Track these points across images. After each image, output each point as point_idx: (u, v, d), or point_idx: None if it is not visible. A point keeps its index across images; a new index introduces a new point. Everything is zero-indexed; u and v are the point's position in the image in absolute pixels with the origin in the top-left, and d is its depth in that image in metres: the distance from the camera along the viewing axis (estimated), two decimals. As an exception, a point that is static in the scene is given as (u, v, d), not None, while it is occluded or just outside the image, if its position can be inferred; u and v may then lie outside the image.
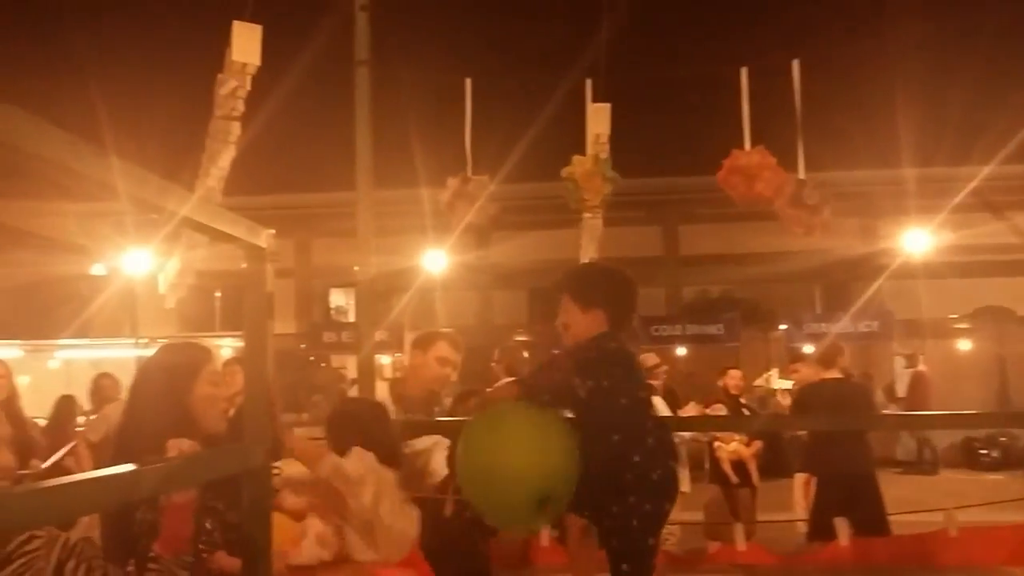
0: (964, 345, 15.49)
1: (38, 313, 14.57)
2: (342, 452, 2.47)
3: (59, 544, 1.79)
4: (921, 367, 14.46)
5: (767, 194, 3.59)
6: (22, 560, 1.67)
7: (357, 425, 2.52)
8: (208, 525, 2.24)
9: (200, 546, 2.16)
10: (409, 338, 13.19)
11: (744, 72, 3.64)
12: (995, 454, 13.42)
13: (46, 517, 1.56)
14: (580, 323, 2.59)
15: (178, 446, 2.01)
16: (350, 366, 14.04)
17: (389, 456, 2.53)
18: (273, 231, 2.59)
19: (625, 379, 2.53)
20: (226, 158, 5.78)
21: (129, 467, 1.68)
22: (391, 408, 3.31)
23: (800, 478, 6.56)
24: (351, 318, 16.21)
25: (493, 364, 6.25)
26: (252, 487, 2.20)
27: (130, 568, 2.00)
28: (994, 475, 12.67)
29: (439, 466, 3.42)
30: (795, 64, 3.62)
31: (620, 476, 2.43)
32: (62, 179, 1.61)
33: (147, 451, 2.03)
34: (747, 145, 3.61)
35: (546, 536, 3.45)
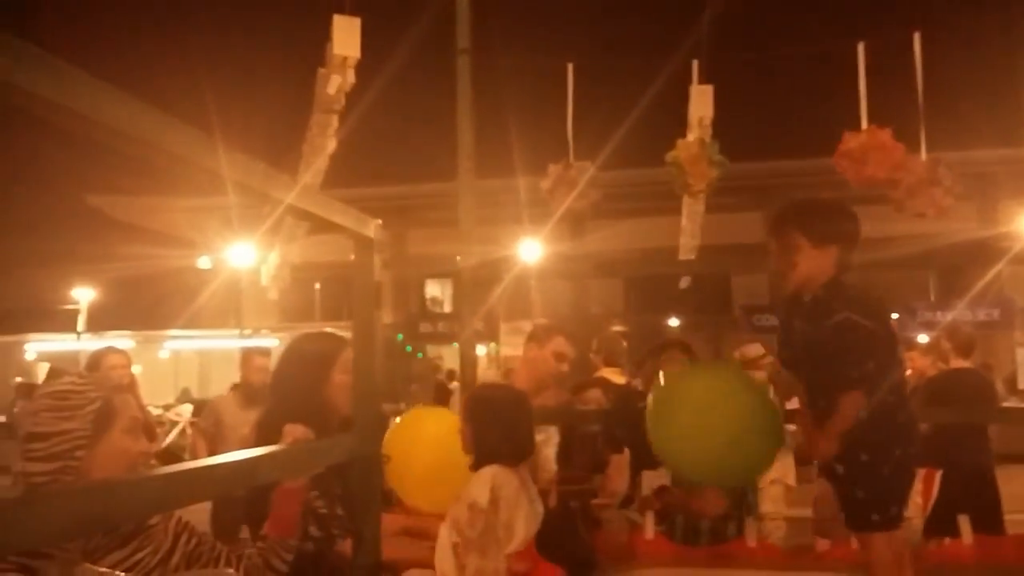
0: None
1: (149, 305, 15.33)
2: (480, 438, 2.42)
3: (174, 520, 1.86)
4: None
5: (879, 176, 3.39)
6: (144, 535, 1.73)
7: (498, 411, 2.43)
8: (323, 510, 2.28)
9: (315, 530, 2.20)
10: (504, 328, 13.30)
11: (861, 48, 3.44)
12: None
13: (173, 501, 1.60)
14: (811, 261, 2.39)
15: (292, 433, 2.04)
16: (445, 356, 14.24)
17: (527, 444, 2.48)
18: (380, 221, 2.61)
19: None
20: (326, 151, 5.90)
21: (246, 453, 1.71)
22: None
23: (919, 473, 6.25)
24: (446, 309, 16.42)
25: (591, 355, 6.19)
26: (362, 474, 2.22)
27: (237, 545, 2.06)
28: None
29: (550, 461, 3.40)
30: (916, 37, 3.40)
31: (874, 422, 2.32)
32: (182, 171, 1.64)
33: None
34: (864, 125, 3.41)
35: (651, 529, 3.39)
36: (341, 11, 5.02)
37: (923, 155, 3.38)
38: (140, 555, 1.70)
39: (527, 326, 13.20)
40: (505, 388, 2.80)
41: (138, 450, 1.67)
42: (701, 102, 4.27)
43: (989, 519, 5.70)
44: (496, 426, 2.39)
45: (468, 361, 3.86)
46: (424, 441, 2.95)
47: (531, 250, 11.75)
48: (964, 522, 3.46)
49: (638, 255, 14.97)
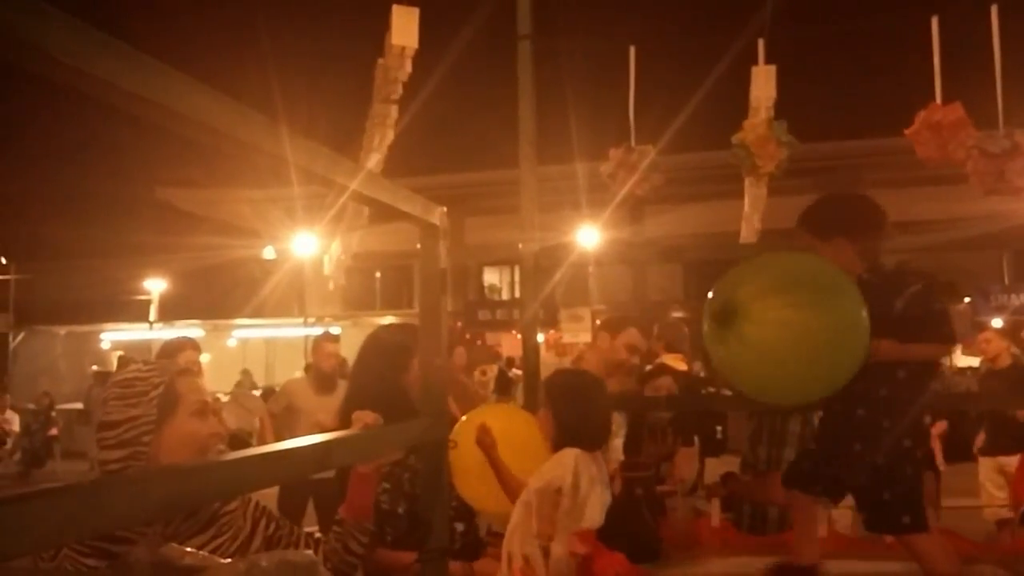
0: None
1: (216, 294, 15.70)
2: (561, 421, 2.42)
3: (252, 504, 1.90)
4: None
5: (959, 156, 3.28)
6: (226, 518, 1.77)
7: (578, 396, 2.45)
8: (385, 506, 2.32)
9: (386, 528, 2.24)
10: (564, 315, 13.25)
11: (935, 21, 3.32)
12: None
13: (247, 485, 1.64)
14: (824, 255, 2.51)
15: (363, 419, 2.07)
16: (504, 344, 14.29)
17: (605, 430, 2.50)
18: (445, 209, 2.62)
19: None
20: (386, 142, 5.95)
21: (318, 438, 1.74)
22: None
23: (1002, 461, 6.09)
24: (504, 296, 16.45)
25: (653, 341, 6.15)
26: (430, 460, 2.24)
27: (308, 529, 2.10)
28: None
29: (618, 450, 3.40)
30: (993, 10, 3.26)
31: (895, 424, 2.40)
32: (249, 161, 1.67)
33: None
34: (938, 100, 3.30)
35: (717, 516, 3.35)
36: (400, 1, 5.04)
37: (1002, 131, 3.25)
38: (220, 540, 1.74)
39: (586, 313, 13.20)
40: (585, 374, 2.80)
41: (208, 432, 1.71)
42: (764, 83, 4.19)
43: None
44: (576, 410, 2.42)
45: (530, 348, 3.87)
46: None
47: (590, 236, 11.68)
48: (1047, 512, 3.35)
49: (698, 240, 14.77)
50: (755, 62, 4.14)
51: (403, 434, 2.10)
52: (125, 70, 1.02)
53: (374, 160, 5.87)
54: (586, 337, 11.27)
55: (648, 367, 4.49)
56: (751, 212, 4.40)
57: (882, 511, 2.45)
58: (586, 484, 2.30)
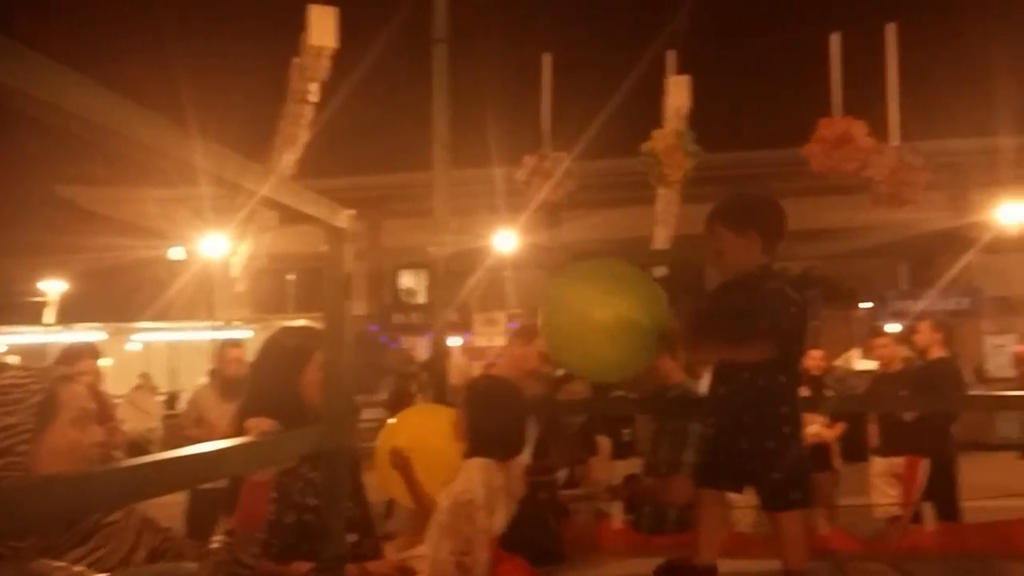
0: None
1: (120, 297, 15.13)
2: (476, 428, 2.39)
3: (136, 516, 1.82)
4: (1020, 346, 13.80)
5: (848, 167, 3.42)
6: (107, 530, 1.69)
7: (496, 404, 2.42)
8: (288, 521, 2.26)
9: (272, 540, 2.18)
10: (479, 319, 13.23)
11: (835, 38, 3.45)
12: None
13: (133, 495, 1.57)
14: (734, 247, 2.66)
15: (258, 426, 2.02)
16: (419, 348, 14.20)
17: (519, 441, 2.47)
18: (353, 212, 2.58)
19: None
20: (299, 142, 5.83)
21: (208, 446, 1.68)
22: None
23: (894, 462, 6.37)
24: (420, 300, 16.36)
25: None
26: (329, 468, 2.20)
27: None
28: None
29: (524, 457, 3.40)
30: (890, 28, 3.42)
31: (777, 409, 2.60)
32: (158, 163, 1.62)
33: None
34: (837, 114, 3.43)
35: (619, 518, 3.40)
36: (318, 1, 4.96)
37: (894, 145, 3.40)
38: (100, 552, 1.67)
39: (501, 317, 13.21)
40: (505, 382, 2.77)
41: (89, 441, 1.64)
42: (678, 92, 4.28)
43: (950, 506, 5.85)
44: (493, 419, 2.38)
45: (440, 352, 3.85)
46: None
47: (506, 240, 11.70)
48: (928, 510, 3.51)
49: (614, 245, 14.94)
50: (672, 72, 4.23)
51: (299, 442, 2.05)
52: (18, 70, 0.96)
53: (287, 160, 5.75)
54: (501, 341, 11.30)
55: (561, 371, 4.52)
56: (664, 218, 4.49)
57: (773, 490, 2.61)
58: (493, 497, 2.28)
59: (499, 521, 2.30)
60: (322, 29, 4.82)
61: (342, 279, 2.45)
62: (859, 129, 3.31)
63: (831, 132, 3.33)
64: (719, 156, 13.02)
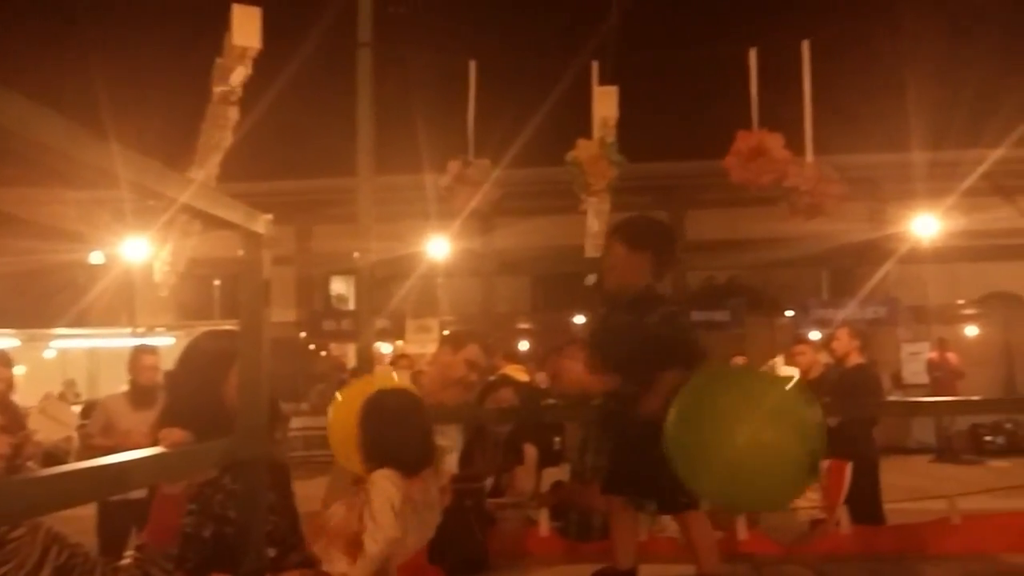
0: (971, 331, 15.39)
1: (35, 301, 14.54)
2: (376, 448, 2.26)
3: (42, 531, 1.75)
4: (933, 354, 14.37)
5: (764, 180, 3.51)
6: (11, 546, 1.62)
7: (392, 419, 2.30)
8: (206, 534, 2.18)
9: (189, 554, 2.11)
10: (412, 326, 13.10)
11: (753, 53, 3.55)
12: (1000, 440, 13.36)
13: (33, 508, 1.51)
14: (627, 263, 2.81)
15: (169, 437, 1.96)
16: (351, 355, 14.03)
17: (423, 454, 2.33)
18: (271, 216, 2.52)
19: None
20: (223, 144, 5.70)
21: (114, 458, 1.63)
22: None
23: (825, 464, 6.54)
24: (352, 306, 16.16)
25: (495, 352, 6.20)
26: (245, 480, 2.15)
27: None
28: (999, 462, 12.60)
29: (451, 466, 3.38)
30: (804, 45, 3.53)
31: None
32: (63, 166, 1.57)
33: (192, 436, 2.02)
34: (755, 127, 3.52)
35: (546, 525, 3.41)
36: (242, 1, 4.86)
37: (810, 158, 3.51)
38: (3, 569, 1.60)
39: (433, 323, 13.11)
40: (402, 394, 2.61)
41: None
42: (606, 103, 4.31)
43: (874, 509, 6.05)
44: (390, 433, 2.26)
45: (365, 360, 3.81)
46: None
47: (438, 247, 11.65)
48: (843, 513, 3.62)
49: (546, 252, 15.03)
50: (596, 82, 4.26)
51: (213, 453, 1.99)
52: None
53: (211, 163, 5.61)
54: (434, 348, 11.23)
55: (491, 378, 4.52)
56: (595, 226, 4.51)
57: (664, 495, 2.72)
58: (402, 512, 2.21)
59: (416, 537, 2.25)
60: (245, 29, 4.72)
61: (260, 285, 2.40)
62: (774, 141, 3.40)
63: (746, 144, 3.41)
64: (645, 166, 13.25)
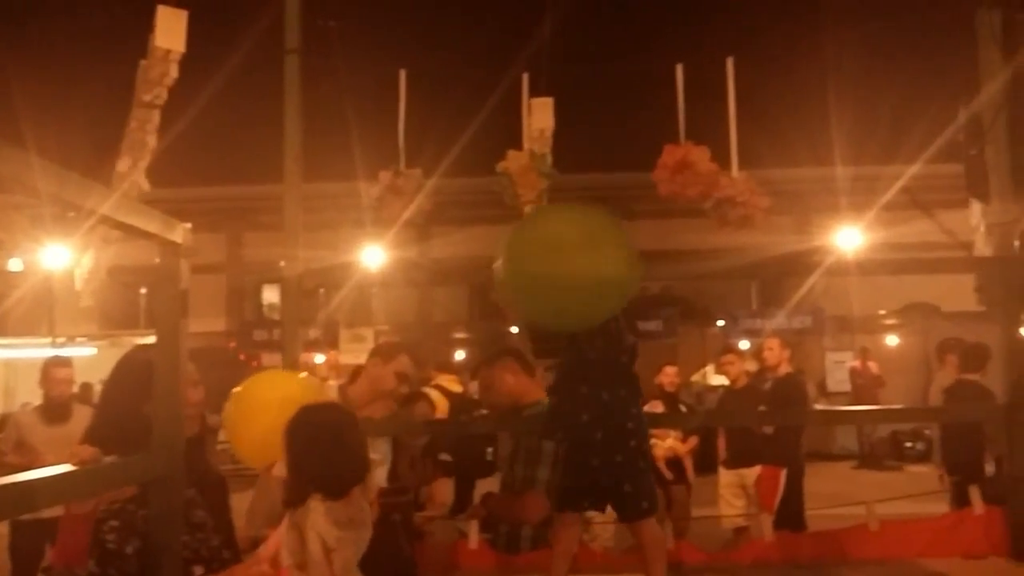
0: (892, 340, 15.94)
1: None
2: (302, 469, 2.15)
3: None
4: (856, 362, 14.82)
5: (690, 193, 3.58)
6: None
7: (325, 434, 2.18)
8: (111, 545, 2.10)
9: (94, 566, 2.03)
10: (346, 335, 12.93)
11: (679, 69, 3.62)
12: (920, 447, 13.83)
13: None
14: None
15: (79, 454, 1.88)
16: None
17: (354, 472, 2.22)
18: (189, 225, 2.45)
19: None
20: (147, 148, 5.55)
21: (15, 477, 1.56)
22: None
23: (742, 473, 6.67)
24: (286, 315, 15.90)
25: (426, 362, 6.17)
26: (160, 498, 2.09)
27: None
28: (918, 467, 13.05)
29: (380, 480, 3.34)
30: (729, 62, 3.61)
31: (623, 425, 2.74)
32: None
33: (120, 453, 1.95)
34: (682, 141, 3.59)
35: (475, 538, 3.39)
36: (167, 3, 4.75)
37: (736, 172, 3.58)
38: None
39: (368, 333, 12.93)
40: (333, 409, 2.49)
41: None
42: (542, 114, 4.34)
43: (797, 516, 6.20)
44: (317, 453, 2.15)
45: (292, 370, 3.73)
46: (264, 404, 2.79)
47: (373, 256, 11.52)
48: (766, 521, 3.69)
49: (483, 262, 14.98)
50: (531, 94, 4.28)
51: (124, 470, 1.93)
52: None
53: (134, 168, 5.46)
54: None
55: (408, 391, 4.47)
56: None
57: (626, 502, 2.76)
58: (342, 539, 2.14)
59: (352, 559, 2.20)
60: (170, 31, 4.61)
61: (178, 295, 2.34)
62: (700, 155, 3.47)
63: (673, 158, 3.48)
64: (581, 176, 13.40)
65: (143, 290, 14.95)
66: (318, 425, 2.24)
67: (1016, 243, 3.73)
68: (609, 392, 2.75)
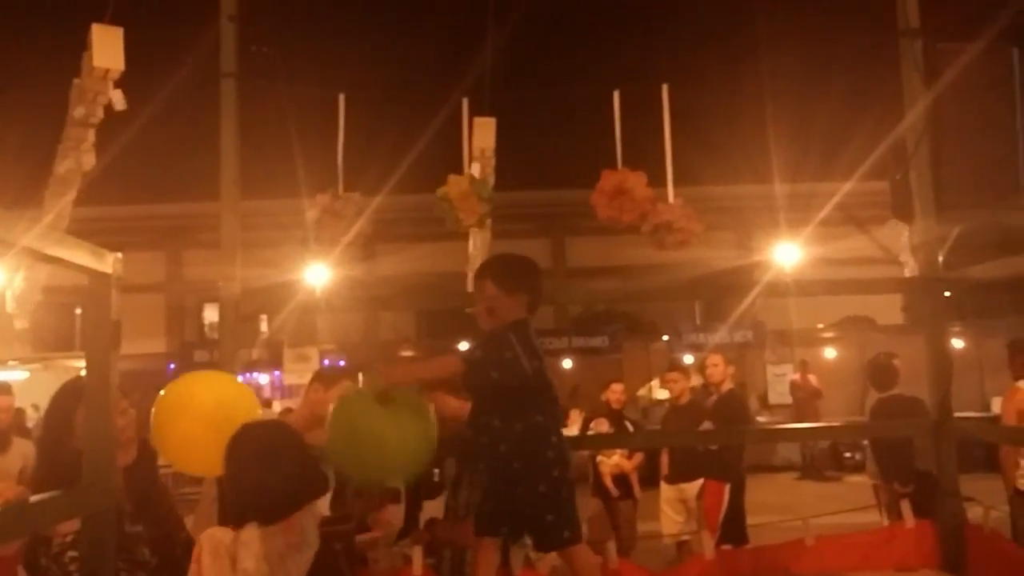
0: (830, 353, 16.33)
1: None
2: (238, 491, 2.10)
3: None
4: (796, 375, 15.13)
5: (628, 218, 3.65)
6: None
7: (262, 456, 2.10)
8: None
9: None
10: (290, 355, 12.74)
11: (616, 95, 3.69)
12: (858, 457, 14.17)
13: None
14: (504, 306, 2.83)
15: (3, 494, 1.83)
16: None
17: (298, 493, 2.17)
18: (120, 255, 2.41)
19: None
20: (83, 167, 5.42)
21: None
22: None
23: (682, 488, 6.75)
24: (230, 334, 15.61)
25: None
26: (93, 534, 2.04)
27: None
28: (857, 477, 13.35)
29: (323, 508, 3.30)
30: (664, 89, 3.70)
31: (543, 454, 2.72)
32: None
33: (62, 485, 1.90)
34: (619, 166, 3.65)
35: (419, 563, 3.37)
36: (102, 21, 4.66)
37: (672, 198, 3.66)
38: None
39: (313, 352, 12.73)
40: (271, 428, 2.43)
41: None
42: (483, 133, 4.35)
43: (739, 530, 6.30)
44: (254, 474, 2.07)
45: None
46: (192, 408, 2.75)
47: (317, 274, 11.41)
48: (707, 538, 3.75)
49: (431, 279, 14.98)
50: (466, 118, 4.30)
51: (52, 509, 1.87)
52: None
53: (68, 190, 5.34)
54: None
55: None
56: (476, 254, 4.52)
57: (547, 531, 2.74)
58: (276, 563, 2.09)
59: None
60: (107, 50, 4.52)
61: (108, 327, 2.29)
62: (636, 181, 3.53)
63: (609, 183, 3.54)
64: (527, 194, 13.50)
65: (78, 310, 14.55)
66: (256, 446, 2.17)
67: (940, 260, 3.87)
68: (523, 422, 2.72)
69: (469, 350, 2.84)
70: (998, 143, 4.01)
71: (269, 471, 2.11)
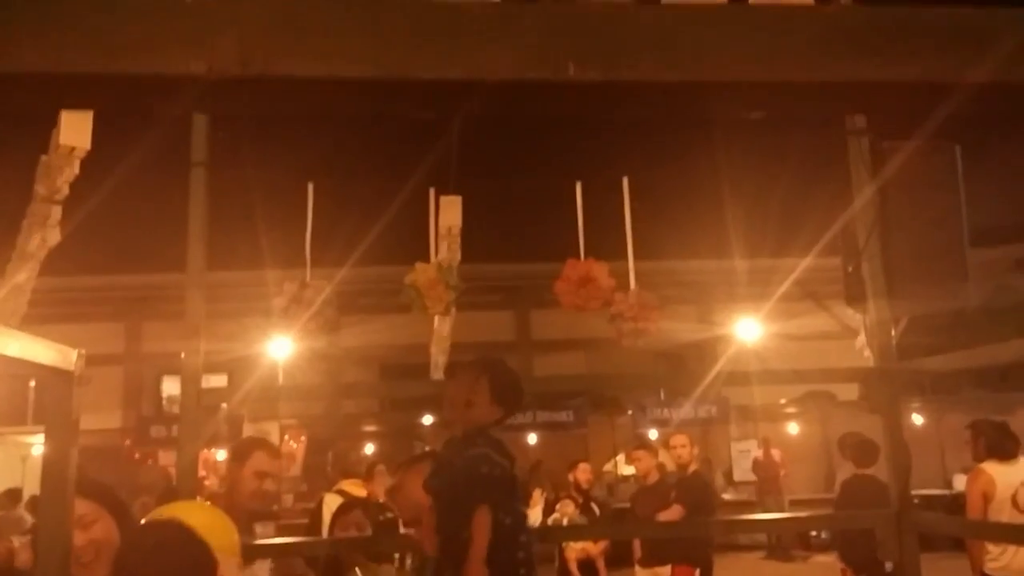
0: (793, 428, 16.45)
1: None
2: None
3: None
4: (760, 452, 15.17)
5: (593, 306, 3.74)
6: None
7: (151, 562, 1.92)
8: None
9: None
10: (249, 430, 12.57)
11: (578, 186, 3.81)
12: (824, 536, 14.14)
13: None
14: (484, 409, 2.86)
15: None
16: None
17: None
18: (83, 350, 2.39)
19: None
20: (47, 242, 5.40)
21: None
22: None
23: (657, 571, 6.71)
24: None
25: (328, 469, 6.04)
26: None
27: None
28: (824, 556, 13.30)
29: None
30: (624, 181, 3.83)
31: (514, 556, 2.74)
32: None
33: None
34: (582, 256, 3.76)
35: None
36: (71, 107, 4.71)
37: (633, 286, 3.76)
38: None
39: (274, 427, 12.58)
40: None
41: None
42: (450, 212, 4.44)
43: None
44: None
45: (187, 473, 3.57)
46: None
47: (280, 347, 11.33)
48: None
49: (395, 350, 14.91)
50: (433, 206, 4.38)
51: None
52: None
53: (35, 260, 5.30)
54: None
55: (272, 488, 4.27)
56: (441, 327, 4.55)
57: None
58: None
59: None
60: (75, 129, 4.56)
61: (69, 427, 2.26)
62: (600, 270, 3.64)
63: (575, 273, 3.63)
64: (493, 267, 13.61)
65: (32, 383, 14.19)
66: (145, 548, 2.01)
67: (894, 344, 3.98)
68: (494, 530, 2.72)
69: (482, 495, 2.76)
70: (945, 233, 4.18)
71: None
